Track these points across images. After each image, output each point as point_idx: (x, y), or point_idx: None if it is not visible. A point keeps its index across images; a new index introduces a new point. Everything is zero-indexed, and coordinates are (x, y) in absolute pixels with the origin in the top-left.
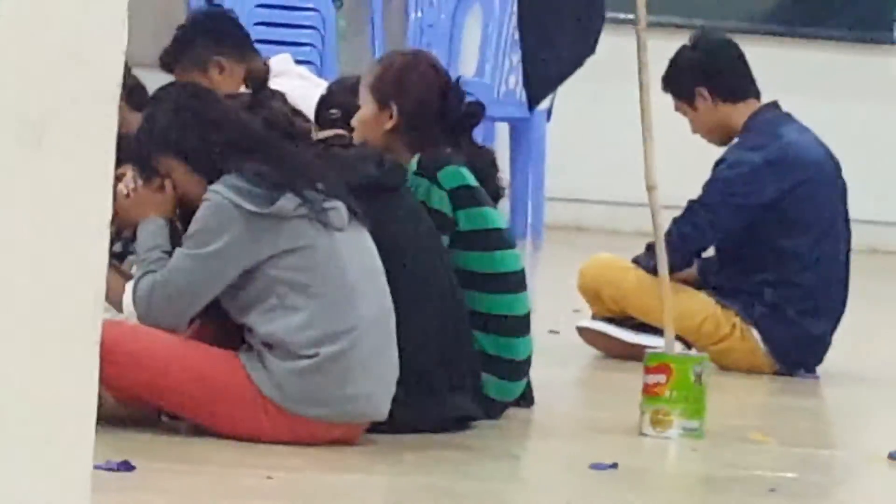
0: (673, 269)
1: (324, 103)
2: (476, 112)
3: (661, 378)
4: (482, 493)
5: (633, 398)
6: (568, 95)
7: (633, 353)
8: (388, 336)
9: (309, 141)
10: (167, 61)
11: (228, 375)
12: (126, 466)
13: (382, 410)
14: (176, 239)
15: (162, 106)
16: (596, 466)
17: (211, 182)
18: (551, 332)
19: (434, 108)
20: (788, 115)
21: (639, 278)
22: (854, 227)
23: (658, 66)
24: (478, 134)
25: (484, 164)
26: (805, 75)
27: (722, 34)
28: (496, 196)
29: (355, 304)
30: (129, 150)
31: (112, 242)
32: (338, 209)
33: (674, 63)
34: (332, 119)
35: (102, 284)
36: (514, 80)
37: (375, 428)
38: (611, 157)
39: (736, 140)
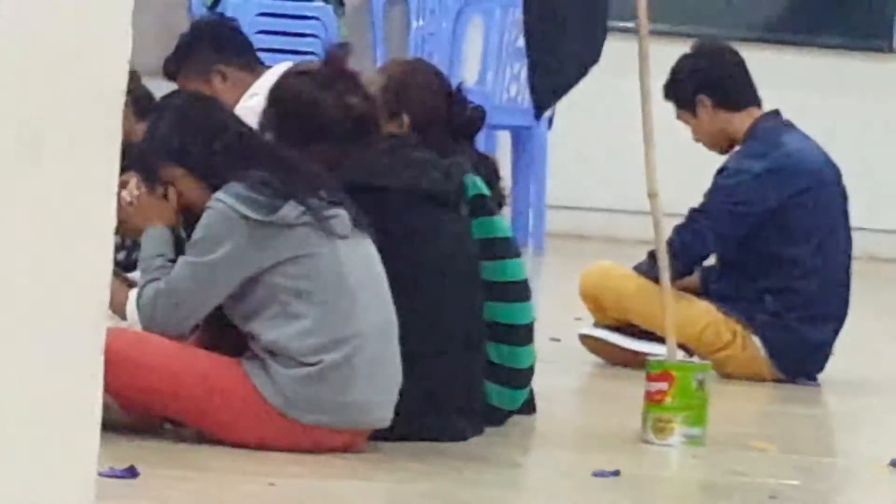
0: (674, 277)
1: None
2: (479, 117)
3: (663, 386)
4: (484, 500)
5: (634, 406)
6: (569, 103)
7: (634, 361)
8: (391, 343)
9: (379, 134)
10: (169, 69)
11: (232, 382)
12: (130, 473)
13: (385, 418)
14: (180, 246)
15: (165, 114)
16: (598, 474)
17: (214, 189)
18: (553, 339)
19: (441, 115)
20: (789, 124)
21: (640, 286)
22: (854, 235)
23: (660, 74)
24: (479, 142)
25: (487, 172)
26: (805, 83)
27: (723, 42)
28: (499, 204)
29: (358, 312)
30: (134, 158)
31: (118, 251)
32: (340, 217)
33: (675, 71)
34: None
35: (106, 291)
36: (516, 89)
37: (378, 435)
38: (612, 165)
39: (737, 148)
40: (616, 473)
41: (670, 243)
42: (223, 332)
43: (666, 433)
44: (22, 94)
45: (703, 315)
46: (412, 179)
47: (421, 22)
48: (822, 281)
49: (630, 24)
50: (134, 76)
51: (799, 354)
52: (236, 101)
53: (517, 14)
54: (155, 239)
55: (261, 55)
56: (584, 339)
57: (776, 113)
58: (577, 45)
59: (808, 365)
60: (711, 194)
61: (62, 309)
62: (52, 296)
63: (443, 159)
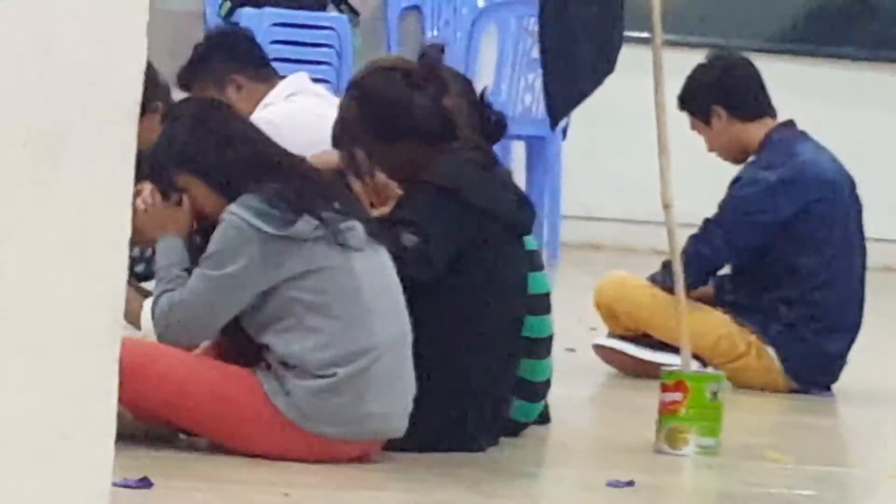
0: (689, 287)
1: None
2: (504, 123)
3: (678, 396)
4: None
5: (649, 416)
6: (584, 113)
7: (649, 371)
8: (405, 354)
9: (457, 144)
10: (184, 80)
11: (246, 394)
12: (144, 484)
13: (399, 428)
14: (195, 255)
15: (179, 121)
16: (612, 484)
17: (228, 198)
18: (568, 349)
19: (475, 123)
20: (804, 134)
21: (655, 296)
22: (869, 245)
23: (674, 84)
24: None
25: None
26: (820, 94)
27: (738, 53)
28: None
29: (373, 325)
30: (148, 165)
31: (137, 263)
32: (355, 229)
33: (690, 82)
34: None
35: (121, 302)
36: (530, 99)
37: (392, 445)
38: (626, 175)
39: (751, 159)
40: (631, 484)
41: (685, 253)
42: (238, 342)
43: (680, 443)
44: (38, 104)
45: (718, 325)
46: (498, 204)
47: (435, 32)
48: (837, 291)
49: (645, 34)
50: (165, 88)
51: (813, 365)
52: (251, 112)
53: (532, 24)
54: (169, 248)
55: (275, 65)
56: (599, 349)
57: (790, 123)
58: (591, 55)
59: (823, 375)
60: (726, 205)
61: (77, 319)
62: (67, 306)
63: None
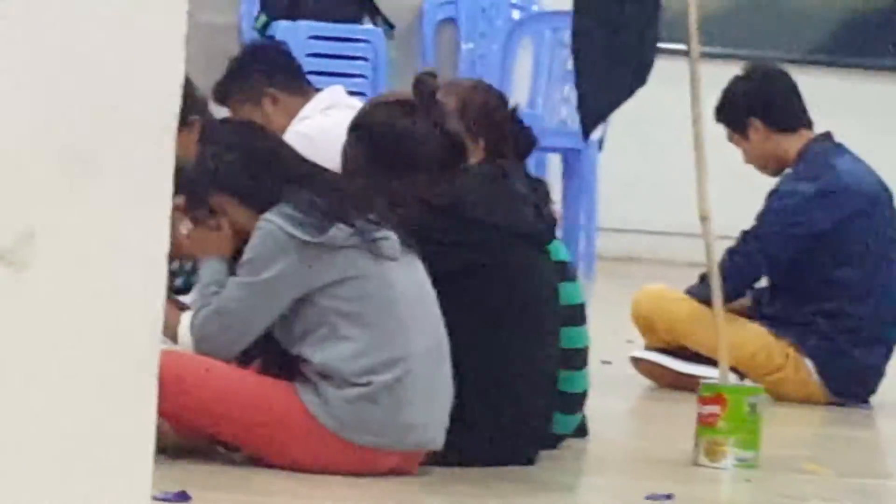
0: (726, 300)
1: None
2: (533, 138)
3: (716, 409)
4: None
5: (687, 429)
6: (620, 125)
7: (686, 384)
8: (442, 365)
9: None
10: (220, 94)
11: (284, 404)
12: (182, 497)
13: (437, 440)
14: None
15: (213, 144)
16: (651, 497)
17: None
18: (604, 362)
19: (510, 139)
20: (841, 146)
21: (692, 309)
22: None
23: (711, 96)
24: (530, 165)
25: (539, 195)
26: (857, 105)
27: (775, 65)
28: (551, 228)
29: (407, 334)
30: (184, 188)
31: (173, 276)
32: (389, 239)
33: (727, 94)
34: None
35: (160, 316)
36: (566, 111)
37: (434, 459)
38: (663, 188)
39: (789, 171)
40: (669, 497)
41: (722, 266)
42: (274, 358)
43: (718, 456)
44: (73, 119)
45: (755, 338)
46: (508, 216)
47: (471, 44)
48: (875, 304)
49: (681, 46)
50: (202, 103)
51: (851, 377)
52: (287, 125)
53: (567, 36)
54: (211, 269)
55: (311, 78)
56: (636, 361)
57: (828, 135)
58: (625, 66)
59: (861, 387)
60: (763, 217)
61: (116, 333)
62: (106, 320)
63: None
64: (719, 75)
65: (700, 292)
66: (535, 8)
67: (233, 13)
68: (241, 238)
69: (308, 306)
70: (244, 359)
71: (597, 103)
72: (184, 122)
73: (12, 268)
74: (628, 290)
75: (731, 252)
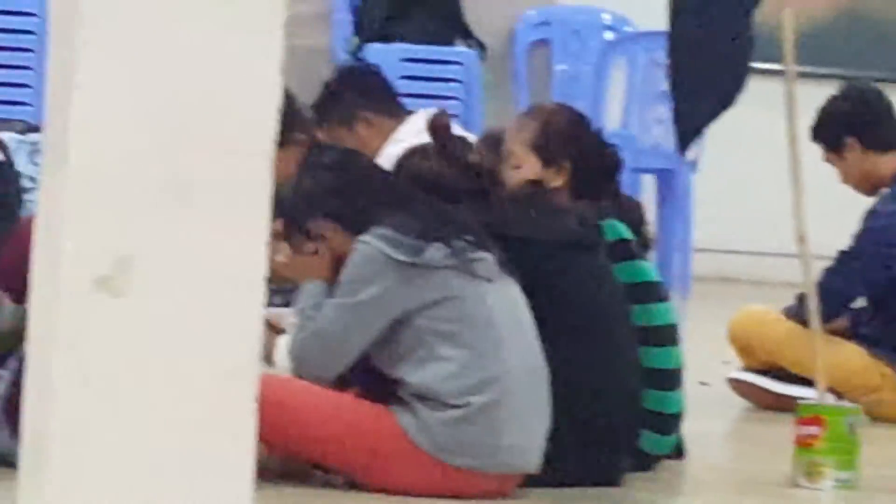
0: (823, 320)
1: None
2: (620, 159)
3: (814, 430)
4: None
5: (785, 450)
6: (715, 145)
7: (784, 405)
8: (539, 387)
9: (502, 187)
10: (314, 117)
11: (381, 427)
12: None
13: (533, 461)
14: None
15: (308, 171)
16: None
17: None
18: (701, 383)
19: (595, 160)
20: None
21: (789, 330)
22: None
23: (806, 115)
24: (624, 185)
25: (633, 216)
26: None
27: (871, 84)
28: (645, 248)
29: (504, 355)
30: (282, 214)
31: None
32: (486, 260)
33: (823, 113)
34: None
35: (259, 340)
36: (659, 132)
37: (529, 481)
38: (758, 207)
39: (885, 190)
40: None
41: (819, 286)
42: (371, 381)
43: (817, 477)
44: (173, 145)
45: (853, 358)
46: (548, 228)
47: (564, 66)
48: None
49: (777, 66)
50: (308, 121)
51: None
52: (381, 147)
53: (660, 57)
54: (310, 293)
55: (404, 100)
56: (733, 382)
57: None
58: (723, 71)
59: None
60: (860, 237)
61: (215, 357)
62: (206, 345)
63: (594, 203)
64: (815, 95)
65: (797, 313)
66: (628, 29)
67: (325, 36)
68: (339, 261)
69: (405, 327)
70: (342, 382)
71: (693, 115)
72: (288, 141)
73: (112, 294)
74: (724, 310)
75: (828, 272)
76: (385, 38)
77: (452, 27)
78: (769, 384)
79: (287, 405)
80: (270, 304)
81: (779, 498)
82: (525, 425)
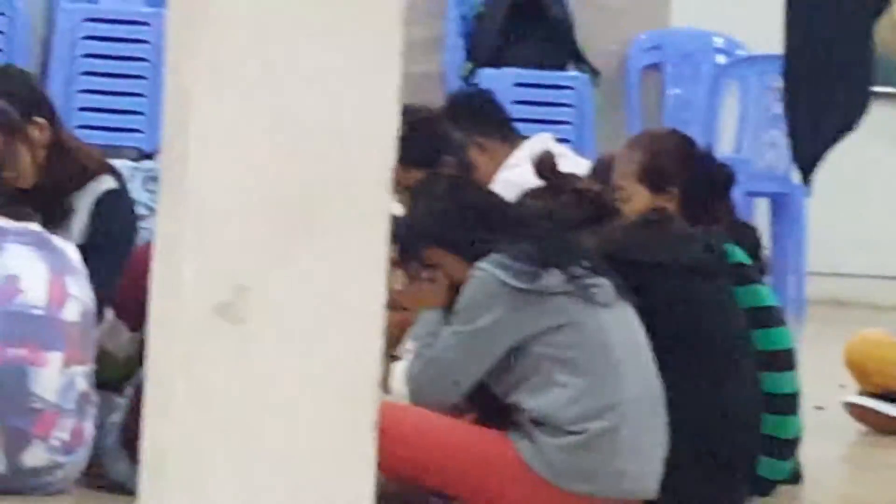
0: None
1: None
2: (731, 174)
3: None
4: None
5: None
6: (828, 168)
7: None
8: (657, 413)
9: (617, 213)
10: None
11: (498, 453)
12: None
13: (651, 488)
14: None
15: (422, 199)
16: None
17: None
18: (817, 408)
19: (704, 180)
20: None
21: None
22: None
23: None
24: (739, 209)
25: (749, 239)
26: None
27: None
28: (761, 272)
29: (622, 381)
30: (397, 243)
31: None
32: (603, 286)
33: None
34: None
35: (378, 367)
36: (773, 156)
37: None
38: (873, 231)
39: None
40: None
41: None
42: (487, 407)
43: None
44: (291, 169)
45: None
46: (670, 253)
47: (676, 90)
48: None
49: (891, 89)
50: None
51: None
52: (495, 173)
53: (773, 80)
54: (427, 321)
55: (517, 125)
56: (850, 407)
57: None
58: (838, 109)
59: None
60: None
61: (334, 384)
62: (324, 370)
63: (709, 226)
64: None
65: None
66: (740, 52)
67: (437, 62)
68: (455, 289)
69: (522, 354)
70: (458, 409)
71: (813, 141)
72: (437, 162)
73: (231, 320)
74: (840, 334)
75: None
76: (498, 63)
77: (565, 52)
78: (886, 408)
79: (405, 432)
80: None
81: None
82: (643, 451)
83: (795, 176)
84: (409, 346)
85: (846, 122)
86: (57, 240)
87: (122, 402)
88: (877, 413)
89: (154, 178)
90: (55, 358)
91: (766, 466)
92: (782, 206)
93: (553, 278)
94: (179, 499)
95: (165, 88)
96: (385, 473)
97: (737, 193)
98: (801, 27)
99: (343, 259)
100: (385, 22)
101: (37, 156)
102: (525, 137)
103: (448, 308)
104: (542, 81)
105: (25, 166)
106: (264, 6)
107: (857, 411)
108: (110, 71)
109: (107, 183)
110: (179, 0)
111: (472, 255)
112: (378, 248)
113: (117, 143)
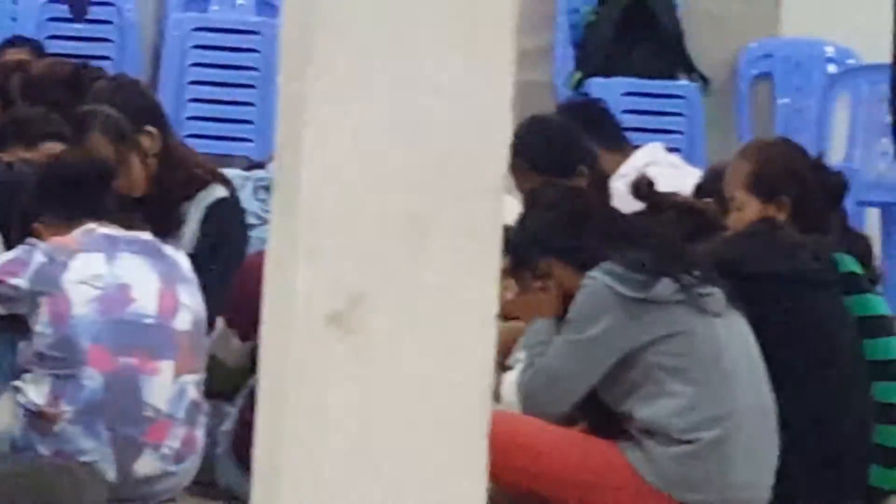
0: None
1: (699, 193)
2: (844, 182)
3: None
4: None
5: None
6: None
7: None
8: (768, 424)
9: (724, 223)
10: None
11: (609, 462)
12: None
13: (763, 498)
14: None
15: (533, 210)
16: None
17: None
18: None
19: (815, 188)
20: None
21: None
22: None
23: None
24: (850, 219)
25: (861, 249)
26: None
27: None
28: (873, 281)
29: (734, 391)
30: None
31: None
32: (714, 295)
33: None
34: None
35: (490, 377)
36: (885, 165)
37: None
38: None
39: None
40: None
41: None
42: (597, 417)
43: None
44: (404, 179)
45: None
46: (783, 264)
47: (787, 99)
48: None
49: None
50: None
51: None
52: None
53: (884, 89)
54: (538, 330)
55: (627, 135)
56: None
57: None
58: None
59: None
60: None
61: (446, 393)
62: (437, 380)
63: (821, 236)
64: None
65: None
66: (851, 61)
67: (546, 71)
68: (566, 298)
69: (634, 363)
70: (569, 418)
71: None
72: (572, 172)
73: (345, 330)
74: None
75: None
76: (607, 73)
77: (675, 61)
78: None
79: (517, 442)
80: None
81: None
82: (754, 461)
83: None
84: (520, 355)
85: None
86: (168, 248)
87: (232, 410)
88: None
89: (264, 187)
90: (166, 367)
91: (877, 475)
92: (893, 216)
93: (664, 287)
94: None
95: (279, 96)
96: (496, 482)
97: (848, 203)
98: None
99: (455, 268)
100: (498, 32)
101: (148, 165)
102: (636, 147)
103: (559, 317)
104: (651, 91)
105: (137, 175)
106: (380, 15)
107: None
108: (220, 80)
109: (217, 192)
110: (294, 7)
111: (584, 265)
112: (490, 257)
113: (226, 152)
